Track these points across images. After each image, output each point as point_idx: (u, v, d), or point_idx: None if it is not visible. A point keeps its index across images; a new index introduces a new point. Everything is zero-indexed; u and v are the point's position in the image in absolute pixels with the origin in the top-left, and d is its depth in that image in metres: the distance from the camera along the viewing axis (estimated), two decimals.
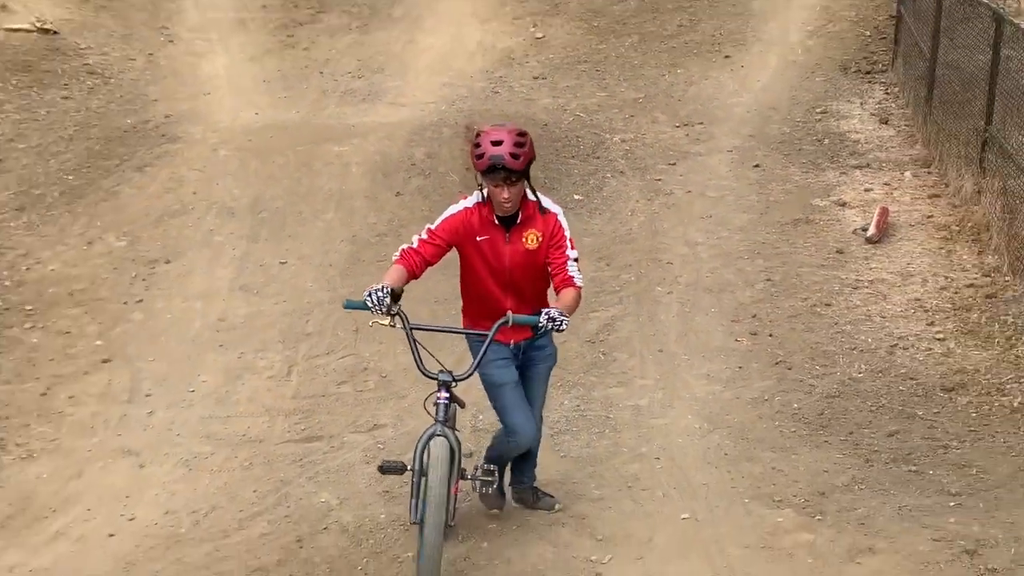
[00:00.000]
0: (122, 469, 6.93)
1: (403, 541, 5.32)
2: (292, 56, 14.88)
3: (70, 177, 11.18)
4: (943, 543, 4.75)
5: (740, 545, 5.11)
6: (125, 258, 9.84)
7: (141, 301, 9.19)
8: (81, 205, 10.69)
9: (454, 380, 4.83)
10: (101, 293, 9.31)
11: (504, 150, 4.54)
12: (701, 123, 12.98)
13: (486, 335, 4.76)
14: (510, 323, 4.66)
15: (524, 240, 4.89)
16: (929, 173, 10.94)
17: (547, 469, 6.10)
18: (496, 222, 4.88)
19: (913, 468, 5.83)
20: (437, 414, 4.77)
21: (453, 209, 4.93)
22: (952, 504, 5.27)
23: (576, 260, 4.94)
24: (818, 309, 8.55)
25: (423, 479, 4.68)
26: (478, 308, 5.16)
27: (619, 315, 8.63)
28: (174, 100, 13.42)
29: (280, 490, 6.28)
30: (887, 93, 13.17)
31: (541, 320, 4.56)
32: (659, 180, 11.49)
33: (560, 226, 4.93)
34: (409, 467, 4.96)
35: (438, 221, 4.91)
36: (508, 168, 4.57)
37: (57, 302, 9.16)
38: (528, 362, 5.27)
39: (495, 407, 5.28)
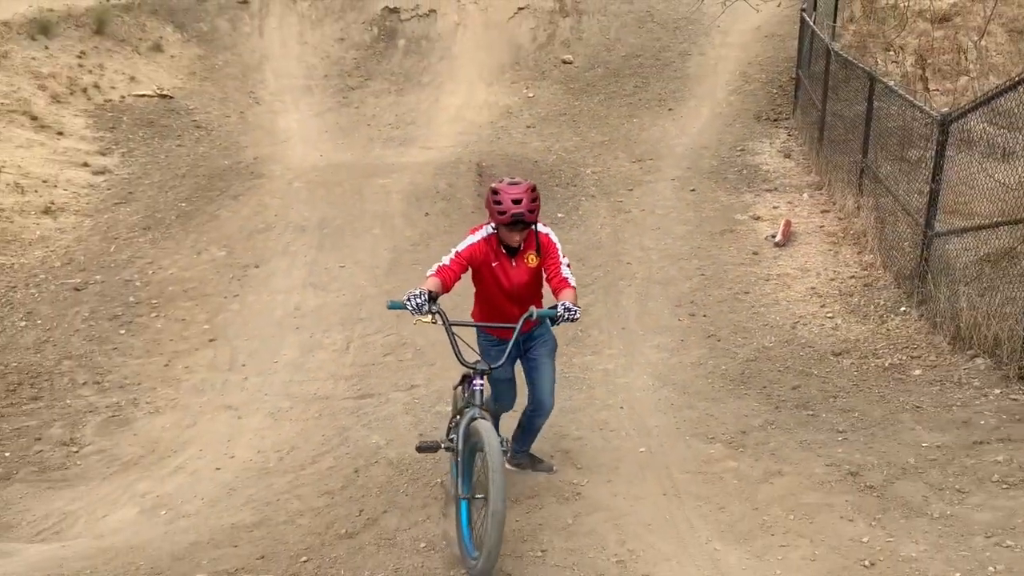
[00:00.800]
0: (225, 420, 6.96)
1: (434, 470, 5.34)
2: (346, 113, 14.87)
3: (183, 204, 11.19)
4: (833, 467, 4.76)
5: (683, 471, 5.11)
6: (225, 264, 9.86)
7: (237, 296, 9.21)
8: (191, 225, 10.70)
9: (490, 369, 4.38)
10: (207, 290, 9.33)
11: (524, 208, 4.27)
12: (651, 159, 12.96)
13: (514, 327, 4.36)
14: (534, 317, 4.30)
15: (526, 260, 4.64)
16: (821, 194, 10.93)
17: (550, 437, 6.11)
18: (504, 250, 4.61)
19: (811, 412, 5.83)
20: (474, 399, 4.32)
21: (472, 240, 4.55)
22: (840, 439, 5.27)
23: (568, 265, 4.67)
24: (739, 296, 8.55)
25: (468, 457, 4.20)
26: (488, 312, 4.85)
27: (592, 302, 8.63)
28: (259, 146, 13.42)
29: (342, 434, 6.30)
30: (789, 135, 13.15)
31: (559, 310, 4.25)
32: (621, 201, 11.48)
33: (552, 242, 4.66)
34: (444, 446, 4.61)
35: (462, 247, 4.54)
36: (525, 222, 4.35)
37: (174, 297, 9.18)
38: (529, 351, 4.88)
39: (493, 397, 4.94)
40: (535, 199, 4.36)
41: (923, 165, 7.89)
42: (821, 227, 10.00)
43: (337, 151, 13.34)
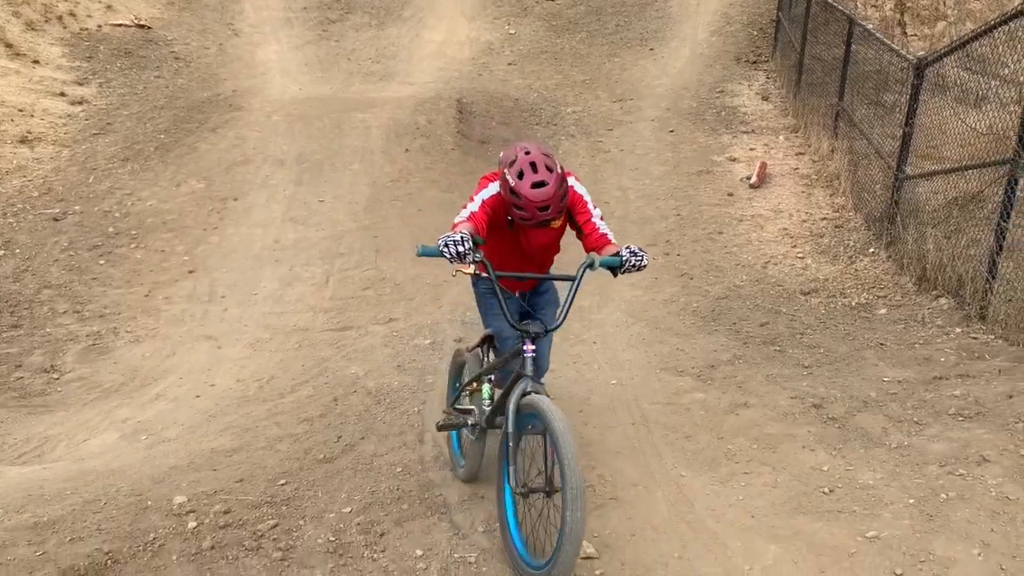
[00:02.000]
0: (204, 349, 6.96)
1: (411, 399, 5.39)
2: (326, 46, 14.56)
3: (162, 136, 10.98)
4: (797, 400, 4.85)
5: (652, 402, 5.18)
6: (204, 196, 9.74)
7: (216, 228, 9.12)
8: (170, 157, 10.52)
9: (546, 331, 3.50)
10: (187, 222, 9.22)
11: (552, 212, 3.44)
12: (632, 99, 12.85)
13: (571, 277, 3.50)
14: (596, 267, 3.44)
15: (550, 223, 3.71)
16: (797, 137, 10.92)
17: None
18: None
19: (777, 348, 5.91)
20: (526, 368, 3.43)
21: (492, 189, 3.68)
22: (805, 373, 5.36)
23: (602, 217, 3.85)
24: (713, 236, 8.59)
25: (516, 439, 3.40)
26: (499, 262, 3.86)
27: (571, 241, 8.62)
28: (238, 79, 13.14)
29: (321, 365, 6.32)
30: (768, 78, 13.06)
31: (624, 255, 3.48)
32: (600, 142, 11.42)
33: (579, 195, 3.81)
34: (471, 422, 4.04)
35: (486, 195, 3.68)
36: (552, 219, 3.51)
37: (155, 228, 9.08)
38: (535, 307, 4.14)
39: (486, 324, 4.25)
40: (564, 193, 3.48)
41: (897, 109, 7.90)
42: (796, 169, 10.02)
43: (316, 84, 13.10)
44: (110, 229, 9.00)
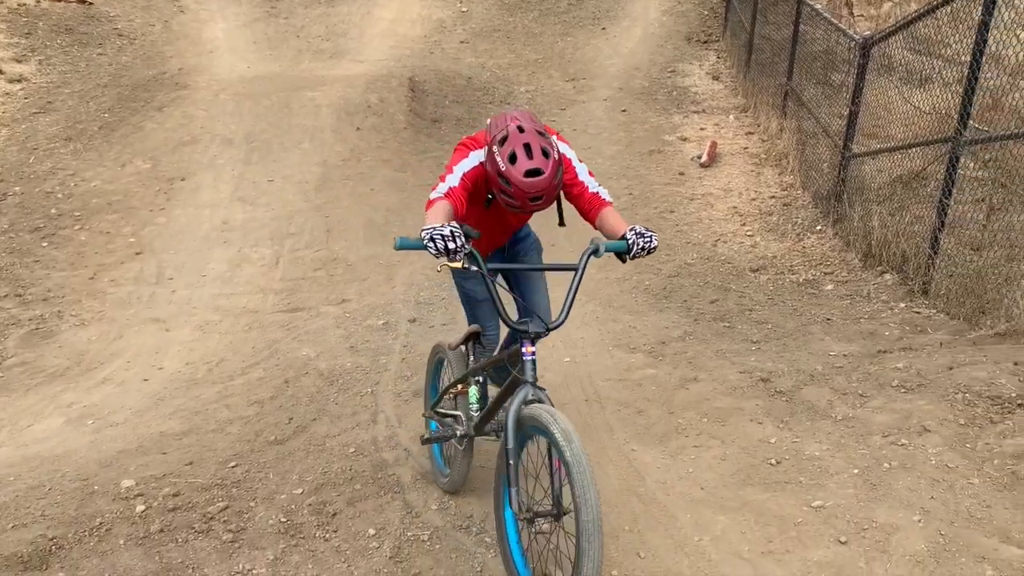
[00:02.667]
0: (152, 332, 6.84)
1: (364, 380, 5.36)
2: (275, 23, 14.29)
3: (106, 115, 10.70)
4: (746, 374, 4.92)
5: (605, 378, 5.22)
6: (150, 176, 9.52)
7: (163, 209, 8.93)
8: (115, 136, 10.26)
9: (547, 330, 3.01)
10: (133, 203, 9.02)
11: (545, 203, 3.04)
12: (584, 78, 12.86)
13: (572, 267, 3.05)
14: (601, 253, 3.03)
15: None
16: (747, 116, 11.03)
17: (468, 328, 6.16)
18: None
19: (727, 324, 5.99)
20: (526, 372, 2.93)
21: (472, 160, 3.23)
22: (754, 348, 5.43)
23: (591, 174, 3.44)
24: (665, 215, 8.66)
25: (517, 453, 2.92)
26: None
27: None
28: (185, 57, 12.85)
29: (272, 347, 6.25)
30: (718, 57, 13.16)
31: (630, 238, 3.04)
32: (554, 121, 11.40)
33: (565, 157, 3.32)
34: (461, 432, 3.59)
35: (467, 166, 3.22)
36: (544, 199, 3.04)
37: (100, 210, 8.87)
38: (517, 254, 3.88)
39: (470, 318, 3.94)
40: (559, 181, 3.06)
41: (844, 89, 8.01)
42: (745, 148, 10.12)
43: (265, 62, 12.86)
44: (52, 210, 8.77)
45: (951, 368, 4.44)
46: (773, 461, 3.92)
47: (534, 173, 2.96)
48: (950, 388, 4.19)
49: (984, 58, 5.69)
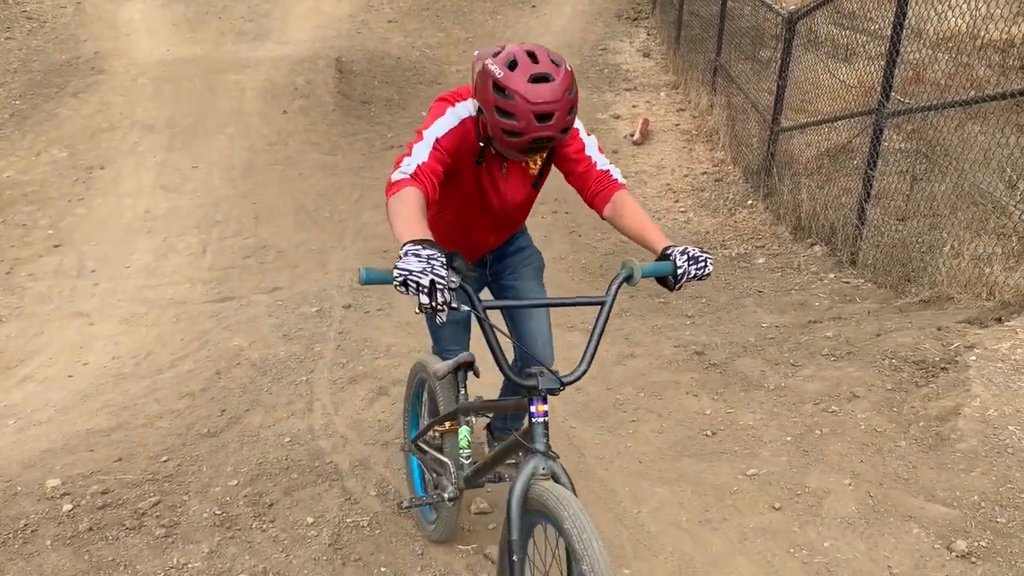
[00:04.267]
0: (75, 327, 6.65)
1: (299, 368, 5.30)
2: (195, 4, 13.92)
3: (17, 102, 10.33)
4: (681, 348, 5.01)
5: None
6: (67, 165, 9.24)
7: (83, 199, 8.68)
8: (28, 124, 9.92)
9: (562, 386, 2.23)
10: (50, 193, 8.74)
11: (556, 128, 2.31)
12: None
13: (598, 301, 2.32)
14: (636, 279, 2.32)
15: (525, 164, 2.77)
16: (678, 93, 11.17)
17: (406, 313, 6.14)
18: (492, 150, 2.67)
19: (662, 300, 6.09)
20: (536, 438, 2.20)
21: (451, 119, 2.58)
22: (688, 323, 5.54)
23: (601, 150, 2.78)
24: None
25: (524, 534, 2.20)
26: (457, 232, 2.95)
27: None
28: (100, 40, 12.45)
29: (202, 338, 6.14)
30: (648, 35, 13.28)
31: (678, 260, 2.33)
32: None
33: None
34: (448, 495, 2.99)
35: (439, 130, 2.55)
36: (553, 142, 2.38)
37: (14, 201, 8.57)
38: (505, 272, 3.24)
39: (434, 339, 3.34)
40: (573, 104, 2.35)
41: (772, 64, 8.19)
42: (677, 125, 10.26)
43: (186, 45, 12.53)
44: None
45: (878, 335, 4.60)
46: (709, 432, 4.02)
47: (541, 79, 2.26)
48: (877, 355, 4.34)
49: (904, 32, 5.87)
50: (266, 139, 9.82)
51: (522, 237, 3.26)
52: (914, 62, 7.01)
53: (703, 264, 2.33)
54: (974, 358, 3.90)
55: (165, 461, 4.20)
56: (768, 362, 4.64)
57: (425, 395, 3.51)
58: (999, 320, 4.27)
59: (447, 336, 3.26)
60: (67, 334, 6.55)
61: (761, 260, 6.83)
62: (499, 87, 2.29)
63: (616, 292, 2.33)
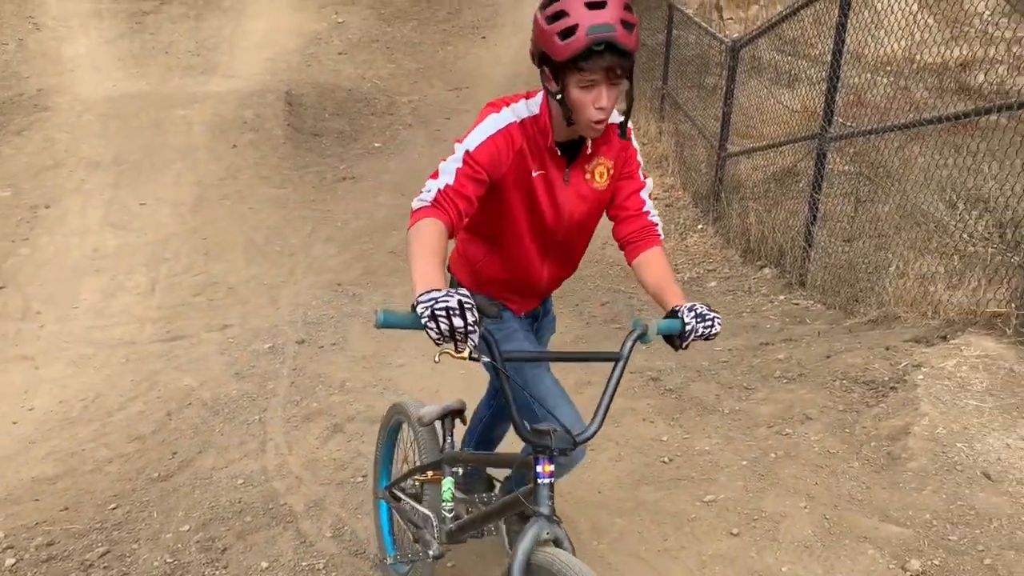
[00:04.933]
0: (20, 371, 6.45)
1: (250, 408, 5.21)
2: (141, 39, 13.79)
3: None
4: (637, 374, 5.03)
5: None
6: (11, 205, 9.02)
7: (27, 239, 8.47)
8: None
9: (575, 444, 2.13)
10: None
11: (613, 15, 2.07)
12: (467, 87, 12.93)
13: (611, 356, 2.20)
14: (650, 338, 2.20)
15: (590, 176, 2.46)
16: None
17: (361, 347, 6.09)
18: (557, 149, 2.37)
19: (617, 326, 6.11)
20: (541, 500, 2.09)
21: (491, 125, 2.29)
22: (643, 348, 5.53)
23: (652, 196, 2.62)
24: None
25: None
26: (494, 281, 2.64)
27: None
28: (44, 76, 12.24)
29: (151, 379, 6.00)
30: None
31: (686, 318, 2.21)
32: (439, 131, 11.43)
33: (634, 146, 2.53)
34: (432, 552, 2.72)
35: (475, 140, 2.27)
36: (619, 48, 2.10)
37: None
38: (537, 333, 3.00)
39: (472, 434, 3.16)
40: (633, 23, 2.15)
41: (718, 91, 8.34)
42: None
43: (132, 80, 12.39)
44: None
45: (828, 356, 4.66)
46: (666, 459, 4.02)
47: (597, 6, 2.08)
48: (828, 376, 4.40)
49: (844, 57, 6.02)
50: (215, 174, 9.71)
51: (550, 301, 3.00)
52: (855, 86, 7.18)
53: (711, 323, 2.24)
54: (921, 377, 3.96)
55: (114, 508, 4.09)
56: (722, 386, 4.68)
57: (400, 440, 3.35)
58: (944, 338, 4.36)
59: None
60: (11, 378, 6.36)
61: (713, 283, 6.91)
62: (554, 15, 2.12)
63: (631, 349, 2.22)
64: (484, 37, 14.52)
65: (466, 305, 1.82)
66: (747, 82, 7.85)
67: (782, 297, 6.23)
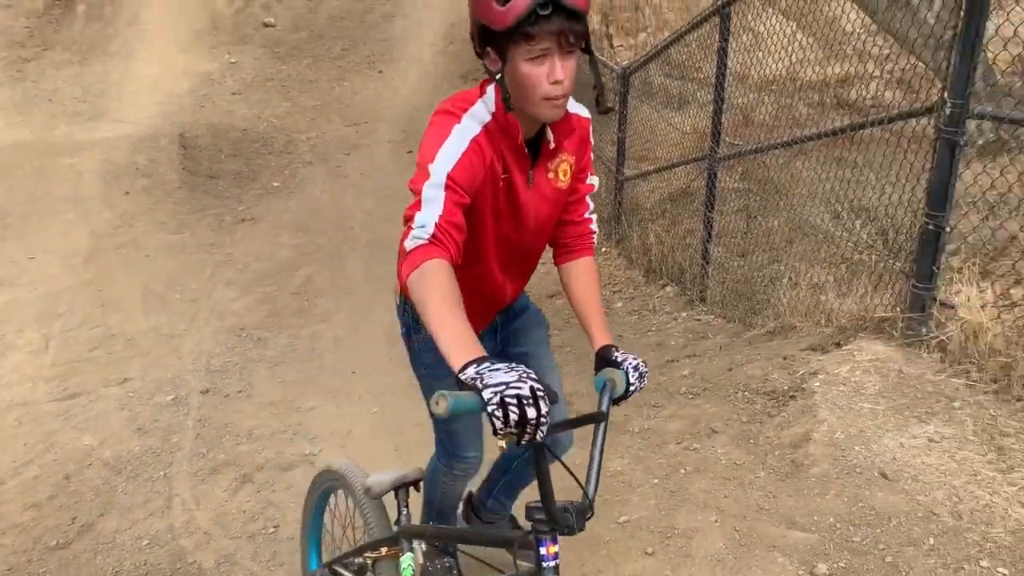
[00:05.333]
0: None
1: (154, 464, 5.02)
2: (22, 87, 13.28)
3: None
4: None
5: (415, 424, 5.17)
6: None
7: None
8: None
9: (589, 514, 1.98)
10: None
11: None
12: (366, 122, 12.89)
13: (598, 418, 2.09)
14: (617, 394, 2.18)
15: (553, 175, 2.26)
16: None
17: (268, 392, 5.96)
18: (525, 148, 2.15)
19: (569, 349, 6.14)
20: None
21: (459, 141, 2.03)
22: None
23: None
24: None
25: None
26: (475, 266, 2.32)
27: (317, 271, 8.48)
28: None
29: (47, 440, 5.71)
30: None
31: (632, 378, 2.20)
32: (339, 167, 11.34)
33: (590, 140, 2.36)
34: None
35: (449, 160, 1.99)
36: (567, 8, 1.88)
37: None
38: (515, 338, 2.74)
39: (442, 431, 2.84)
40: None
41: (613, 116, 8.53)
42: None
43: (14, 129, 11.90)
44: None
45: (730, 369, 4.78)
46: (581, 482, 4.04)
47: None
48: (731, 389, 4.51)
49: (728, 79, 6.25)
50: (108, 223, 9.38)
51: (525, 297, 2.75)
52: (742, 106, 7.46)
53: (644, 379, 2.21)
54: (818, 384, 4.10)
55: None
56: (631, 405, 4.73)
57: (332, 508, 3.02)
58: (838, 345, 4.53)
59: (465, 439, 2.67)
60: None
61: (619, 304, 7.02)
62: None
63: (609, 404, 2.13)
64: (381, 71, 14.52)
65: (539, 393, 1.58)
66: (639, 107, 8.06)
67: (684, 314, 6.38)
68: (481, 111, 2.10)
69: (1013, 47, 4.19)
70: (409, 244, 1.91)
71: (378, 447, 4.94)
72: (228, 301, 7.90)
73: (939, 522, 3.12)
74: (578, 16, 1.90)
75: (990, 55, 4.08)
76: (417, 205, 1.97)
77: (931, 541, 3.04)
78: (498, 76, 1.97)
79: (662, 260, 7.12)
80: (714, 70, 6.28)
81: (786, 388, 4.27)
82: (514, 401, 1.54)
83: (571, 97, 2.14)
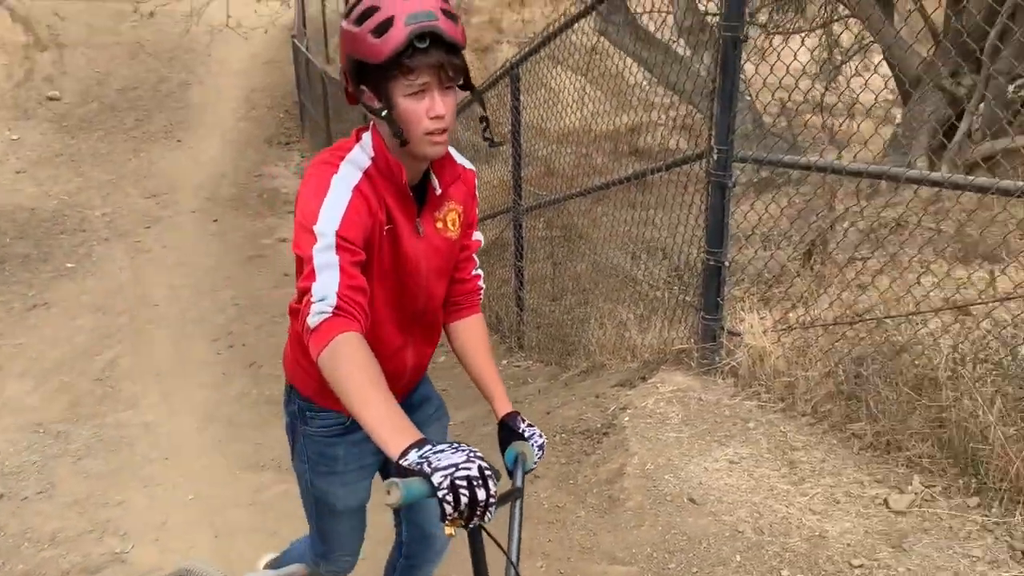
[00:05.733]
0: None
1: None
2: None
3: None
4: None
5: (235, 506, 4.97)
6: None
7: None
8: None
9: None
10: None
11: (432, 2, 1.75)
12: (167, 193, 12.38)
13: (515, 495, 1.96)
14: (531, 465, 2.14)
15: (442, 225, 2.11)
16: None
17: (72, 490, 5.52)
18: (409, 192, 1.99)
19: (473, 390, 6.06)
20: None
21: (342, 192, 1.82)
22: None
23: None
24: (276, 319, 8.55)
25: None
26: (373, 330, 2.03)
27: (121, 353, 7.99)
28: None
29: None
30: (303, 156, 13.50)
31: (535, 447, 2.17)
32: (139, 241, 10.80)
33: (475, 193, 2.27)
34: None
35: (334, 215, 1.77)
36: (446, 41, 1.76)
37: None
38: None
39: (318, 529, 2.61)
40: (455, 16, 1.81)
41: None
42: None
43: None
44: None
45: (549, 412, 4.92)
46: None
47: None
48: (550, 432, 4.62)
49: (524, 134, 6.52)
50: None
51: (426, 384, 2.58)
52: (543, 157, 7.79)
53: (543, 451, 2.20)
54: (627, 418, 4.29)
55: None
56: None
57: None
58: (643, 379, 4.76)
59: (345, 535, 2.51)
60: None
61: (442, 359, 7.05)
62: (360, 11, 1.79)
63: (522, 478, 2.05)
64: (179, 140, 14.05)
65: (487, 473, 1.50)
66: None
67: (505, 361, 6.50)
68: (360, 156, 1.94)
69: (780, 92, 4.65)
70: (312, 321, 1.72)
71: (197, 536, 4.68)
72: (22, 395, 7.27)
73: (744, 539, 3.32)
74: (456, 50, 1.81)
75: (760, 103, 4.50)
76: (311, 275, 1.75)
77: (738, 558, 3.23)
78: (384, 112, 1.83)
79: (484, 309, 7.24)
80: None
81: (599, 426, 4.43)
82: (464, 484, 1.46)
83: (455, 150, 2.13)
